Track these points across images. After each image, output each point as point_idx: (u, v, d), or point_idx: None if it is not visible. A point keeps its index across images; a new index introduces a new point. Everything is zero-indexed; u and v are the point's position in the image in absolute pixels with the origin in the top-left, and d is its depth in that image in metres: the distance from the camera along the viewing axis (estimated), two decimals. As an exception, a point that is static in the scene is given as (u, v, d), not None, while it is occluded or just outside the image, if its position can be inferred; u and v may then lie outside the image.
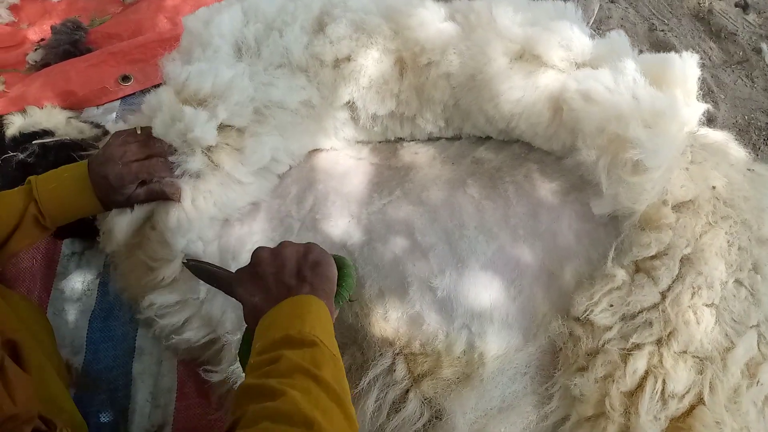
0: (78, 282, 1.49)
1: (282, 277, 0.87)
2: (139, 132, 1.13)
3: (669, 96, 1.05)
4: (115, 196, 1.09)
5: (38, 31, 2.02)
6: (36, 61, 1.89)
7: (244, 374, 0.86)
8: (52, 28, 1.91)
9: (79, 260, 1.53)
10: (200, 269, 1.05)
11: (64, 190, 1.08)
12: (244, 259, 1.13)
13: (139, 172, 1.08)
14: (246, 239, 1.19)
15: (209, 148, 1.12)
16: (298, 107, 1.19)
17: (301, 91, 1.18)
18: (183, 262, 1.09)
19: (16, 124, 1.39)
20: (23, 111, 1.42)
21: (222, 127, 1.12)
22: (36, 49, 1.92)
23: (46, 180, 1.08)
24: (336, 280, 0.90)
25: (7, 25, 2.06)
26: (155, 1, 2.02)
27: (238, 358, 0.91)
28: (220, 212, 1.16)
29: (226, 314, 1.17)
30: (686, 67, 1.10)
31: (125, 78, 1.81)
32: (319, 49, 1.18)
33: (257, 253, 0.92)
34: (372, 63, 1.18)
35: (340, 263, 0.95)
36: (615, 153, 1.04)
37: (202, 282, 1.14)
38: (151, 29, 1.93)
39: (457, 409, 1.03)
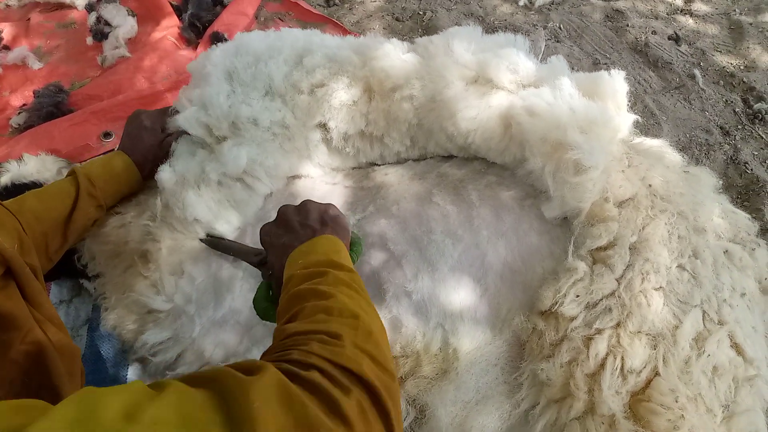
0: (67, 329, 1.53)
1: (307, 221, 0.99)
2: None
3: (600, 106, 1.19)
4: (150, 138, 1.31)
5: (20, 97, 2.11)
6: (20, 124, 1.97)
7: (257, 313, 0.99)
8: (34, 92, 2.01)
9: (68, 308, 1.57)
10: (217, 244, 1.22)
11: (106, 163, 1.26)
12: (237, 289, 1.23)
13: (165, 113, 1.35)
14: (234, 272, 1.26)
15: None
16: (270, 125, 1.31)
17: (276, 112, 1.31)
18: (200, 240, 1.27)
19: (10, 173, 1.46)
20: (20, 158, 1.51)
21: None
22: (19, 113, 2.00)
23: (87, 162, 1.27)
24: (350, 234, 1.02)
25: (-11, 93, 2.15)
26: (133, 62, 2.16)
27: (253, 303, 1.01)
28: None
29: (218, 348, 1.22)
30: (615, 82, 1.24)
31: (107, 135, 1.91)
32: (297, 77, 1.33)
33: (283, 208, 1.05)
34: (342, 87, 1.32)
35: (352, 237, 1.08)
36: (558, 158, 1.16)
37: (196, 320, 1.23)
38: (129, 88, 2.05)
39: (439, 403, 1.10)
